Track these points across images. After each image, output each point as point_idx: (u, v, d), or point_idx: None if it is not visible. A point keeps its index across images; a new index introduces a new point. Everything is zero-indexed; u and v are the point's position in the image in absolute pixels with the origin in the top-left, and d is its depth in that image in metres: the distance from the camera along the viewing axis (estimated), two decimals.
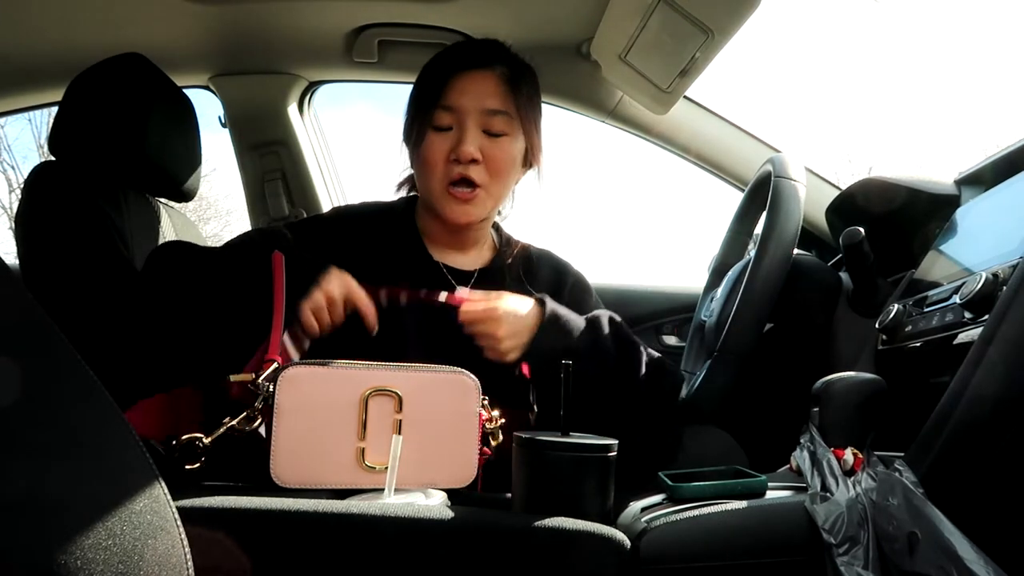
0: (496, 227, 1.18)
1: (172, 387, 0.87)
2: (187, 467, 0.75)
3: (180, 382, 0.88)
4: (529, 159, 1.09)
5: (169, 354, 0.91)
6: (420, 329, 0.99)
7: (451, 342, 0.97)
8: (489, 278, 1.09)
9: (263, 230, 1.26)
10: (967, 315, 0.76)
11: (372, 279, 0.99)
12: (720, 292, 1.25)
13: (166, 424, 0.81)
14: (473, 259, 1.12)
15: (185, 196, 1.32)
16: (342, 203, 1.59)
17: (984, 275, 0.75)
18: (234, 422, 0.75)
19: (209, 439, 0.75)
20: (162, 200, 1.34)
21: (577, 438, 0.71)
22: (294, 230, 1.05)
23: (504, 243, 1.16)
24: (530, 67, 1.09)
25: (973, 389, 0.65)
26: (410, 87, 1.08)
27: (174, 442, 0.74)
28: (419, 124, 1.03)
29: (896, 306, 0.93)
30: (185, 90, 1.31)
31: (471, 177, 1.00)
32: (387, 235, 1.08)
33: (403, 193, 1.17)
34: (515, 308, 0.93)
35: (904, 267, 1.09)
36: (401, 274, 1.02)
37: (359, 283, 0.97)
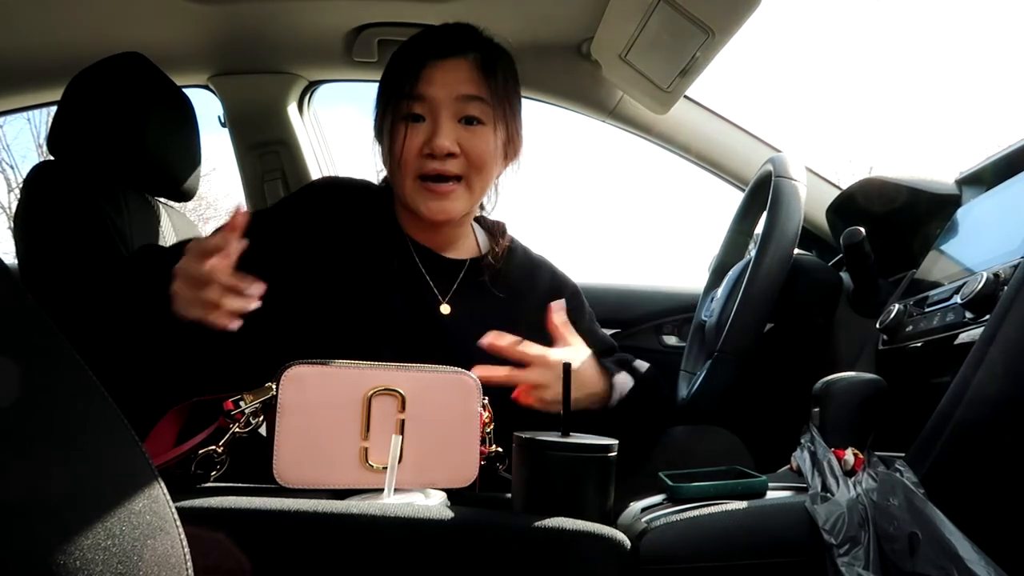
0: (480, 219, 1.14)
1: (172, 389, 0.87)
2: (208, 482, 0.74)
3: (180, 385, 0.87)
4: (509, 151, 1.03)
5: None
6: (403, 335, 0.98)
7: (436, 348, 0.96)
8: (479, 272, 1.06)
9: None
10: (968, 315, 0.76)
11: (355, 267, 0.98)
12: (720, 292, 1.24)
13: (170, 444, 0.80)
14: (458, 251, 1.08)
15: (185, 196, 1.32)
16: None
17: (985, 275, 0.75)
18: (236, 428, 0.75)
19: (222, 446, 0.74)
20: (162, 200, 1.34)
21: (577, 438, 0.71)
22: (284, 205, 1.05)
23: (492, 236, 1.11)
24: (506, 52, 1.03)
25: (974, 389, 0.65)
26: None
27: (192, 457, 0.74)
28: (390, 115, 0.98)
29: (897, 306, 0.93)
30: (185, 90, 1.30)
31: (447, 172, 0.95)
32: (371, 220, 1.04)
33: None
34: (581, 368, 0.92)
35: (905, 267, 1.09)
36: (386, 262, 1.01)
37: (341, 267, 0.97)
